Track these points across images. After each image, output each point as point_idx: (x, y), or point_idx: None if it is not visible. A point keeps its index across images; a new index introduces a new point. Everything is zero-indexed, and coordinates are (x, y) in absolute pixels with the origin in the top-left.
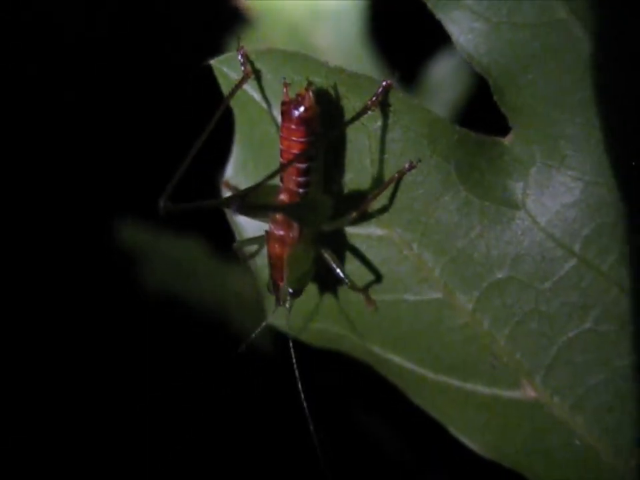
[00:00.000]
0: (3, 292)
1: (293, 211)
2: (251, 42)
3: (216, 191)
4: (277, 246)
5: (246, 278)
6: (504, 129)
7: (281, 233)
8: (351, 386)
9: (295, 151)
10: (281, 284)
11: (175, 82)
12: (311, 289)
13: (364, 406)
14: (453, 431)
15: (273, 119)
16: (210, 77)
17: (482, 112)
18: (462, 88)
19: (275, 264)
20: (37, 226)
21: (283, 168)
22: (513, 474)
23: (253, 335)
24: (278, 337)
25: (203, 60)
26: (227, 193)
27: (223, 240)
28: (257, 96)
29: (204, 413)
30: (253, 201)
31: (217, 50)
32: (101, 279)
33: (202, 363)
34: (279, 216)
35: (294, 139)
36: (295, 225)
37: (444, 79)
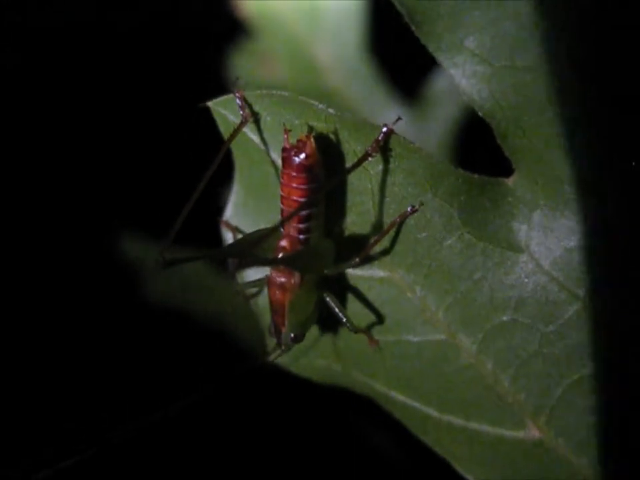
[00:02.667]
0: (7, 300)
1: (294, 261)
2: (251, 53)
3: (212, 225)
4: (277, 292)
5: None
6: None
7: (282, 280)
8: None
9: (296, 198)
10: (283, 329)
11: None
12: (314, 327)
13: (366, 414)
14: (457, 467)
15: (272, 162)
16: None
17: (484, 125)
18: (464, 101)
19: (276, 309)
20: (42, 234)
21: (285, 217)
22: None
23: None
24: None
25: (203, 72)
26: (226, 233)
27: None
28: (256, 138)
29: (208, 424)
30: (252, 260)
31: (217, 62)
32: (106, 291)
33: (205, 375)
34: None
35: (295, 185)
36: (296, 272)
37: (446, 91)
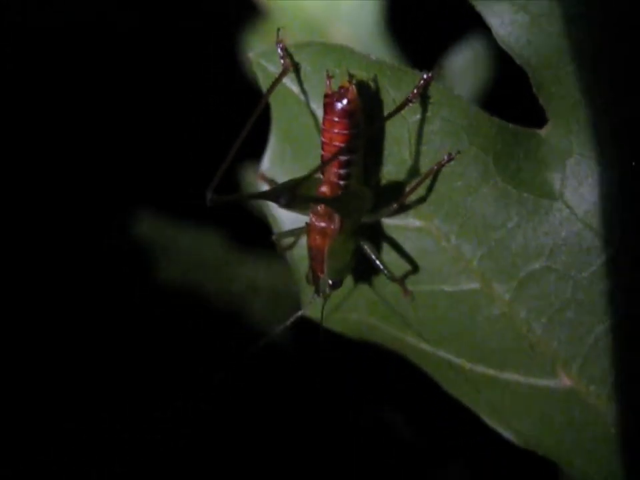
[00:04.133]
0: (15, 284)
1: (335, 203)
2: (267, 35)
3: (238, 184)
4: (317, 237)
5: (264, 270)
6: (526, 121)
7: (322, 224)
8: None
9: (338, 143)
10: (321, 275)
11: (195, 73)
12: (347, 280)
13: (381, 398)
14: (487, 420)
15: (312, 112)
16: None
17: (501, 105)
18: (479, 81)
19: (315, 256)
20: (55, 216)
21: (325, 160)
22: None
23: (287, 323)
24: (298, 335)
25: (219, 53)
26: (262, 185)
27: (241, 232)
28: (295, 89)
29: (218, 408)
30: (300, 192)
31: (233, 43)
32: (118, 271)
33: (218, 356)
34: (320, 208)
35: (336, 131)
36: (336, 217)
37: (463, 70)
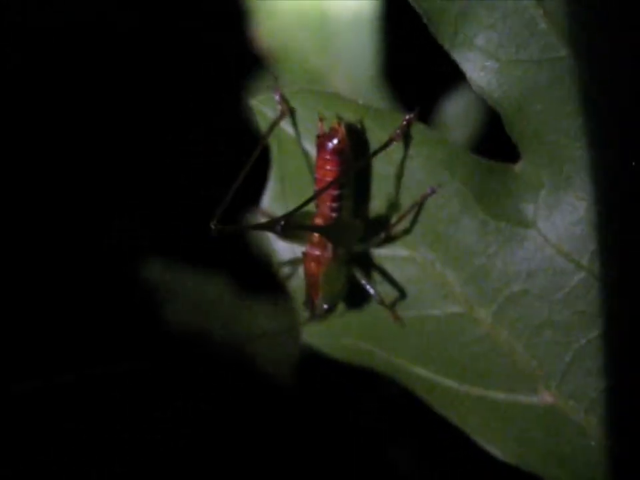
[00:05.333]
0: (23, 324)
1: (328, 232)
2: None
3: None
4: (313, 265)
5: (267, 314)
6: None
7: (317, 253)
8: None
9: (329, 179)
10: (316, 300)
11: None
12: (341, 308)
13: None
14: (477, 438)
15: (306, 152)
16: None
17: (492, 149)
18: (471, 128)
19: (310, 282)
20: (63, 256)
21: (318, 193)
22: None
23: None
24: (299, 372)
25: (222, 105)
26: (263, 220)
27: (245, 276)
28: (291, 131)
29: (218, 408)
30: (296, 222)
31: (237, 93)
32: (126, 316)
33: (224, 399)
34: (315, 238)
35: (328, 167)
36: (329, 246)
37: (456, 118)
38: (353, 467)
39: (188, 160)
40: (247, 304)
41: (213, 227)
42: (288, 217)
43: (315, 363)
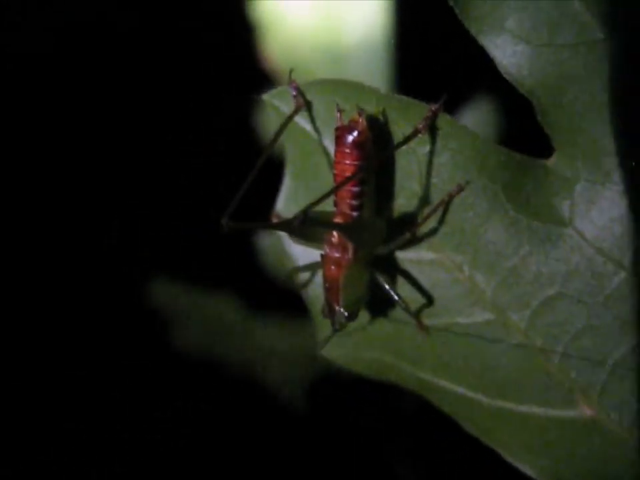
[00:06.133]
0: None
1: (349, 231)
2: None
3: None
4: (332, 268)
5: (279, 335)
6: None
7: (337, 255)
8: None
9: (349, 174)
10: (337, 307)
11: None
12: (362, 318)
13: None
14: (508, 457)
15: (324, 149)
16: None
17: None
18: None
19: (330, 287)
20: (74, 282)
21: (337, 188)
22: None
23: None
24: (310, 395)
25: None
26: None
27: (255, 297)
28: (308, 127)
29: (218, 408)
30: (314, 218)
31: (237, 93)
32: (134, 339)
33: (235, 420)
34: (334, 239)
35: (347, 162)
36: (350, 247)
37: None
38: (349, 467)
39: (188, 160)
40: (258, 324)
41: (223, 224)
42: (305, 212)
43: (326, 385)
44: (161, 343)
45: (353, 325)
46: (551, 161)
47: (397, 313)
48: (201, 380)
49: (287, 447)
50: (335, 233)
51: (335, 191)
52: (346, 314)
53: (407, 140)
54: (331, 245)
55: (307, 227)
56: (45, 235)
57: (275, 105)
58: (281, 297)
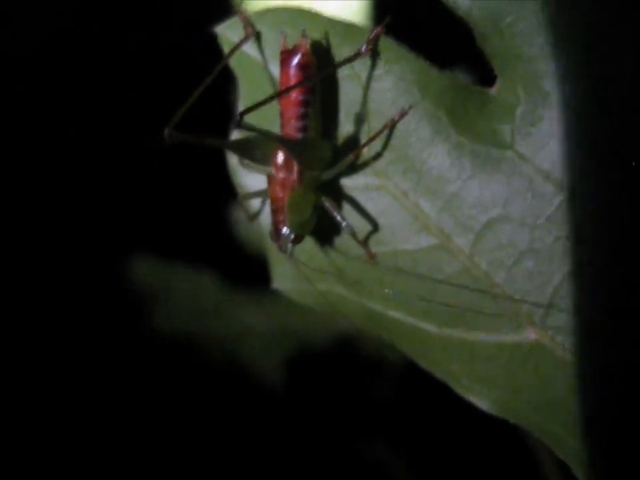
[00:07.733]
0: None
1: (292, 147)
2: None
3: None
4: (278, 189)
5: (258, 313)
6: None
7: (282, 175)
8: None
9: (293, 96)
10: (283, 228)
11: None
12: (313, 251)
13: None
14: (460, 390)
15: (271, 76)
16: None
17: None
18: None
19: (276, 208)
20: (51, 261)
21: (274, 97)
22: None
23: None
24: (288, 371)
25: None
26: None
27: (234, 274)
28: (256, 55)
29: (218, 408)
30: (251, 126)
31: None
32: (114, 316)
33: (213, 398)
34: (280, 160)
35: (291, 84)
36: (296, 168)
37: None
38: (343, 467)
39: (186, 159)
40: (237, 303)
41: (167, 133)
42: (241, 114)
43: (305, 362)
44: (138, 320)
45: (304, 258)
46: (494, 89)
47: (346, 243)
48: (179, 358)
49: (264, 424)
50: (280, 154)
51: (275, 98)
52: (292, 236)
53: (348, 60)
54: (277, 166)
55: (253, 142)
56: (23, 213)
57: (227, 36)
58: (260, 276)
